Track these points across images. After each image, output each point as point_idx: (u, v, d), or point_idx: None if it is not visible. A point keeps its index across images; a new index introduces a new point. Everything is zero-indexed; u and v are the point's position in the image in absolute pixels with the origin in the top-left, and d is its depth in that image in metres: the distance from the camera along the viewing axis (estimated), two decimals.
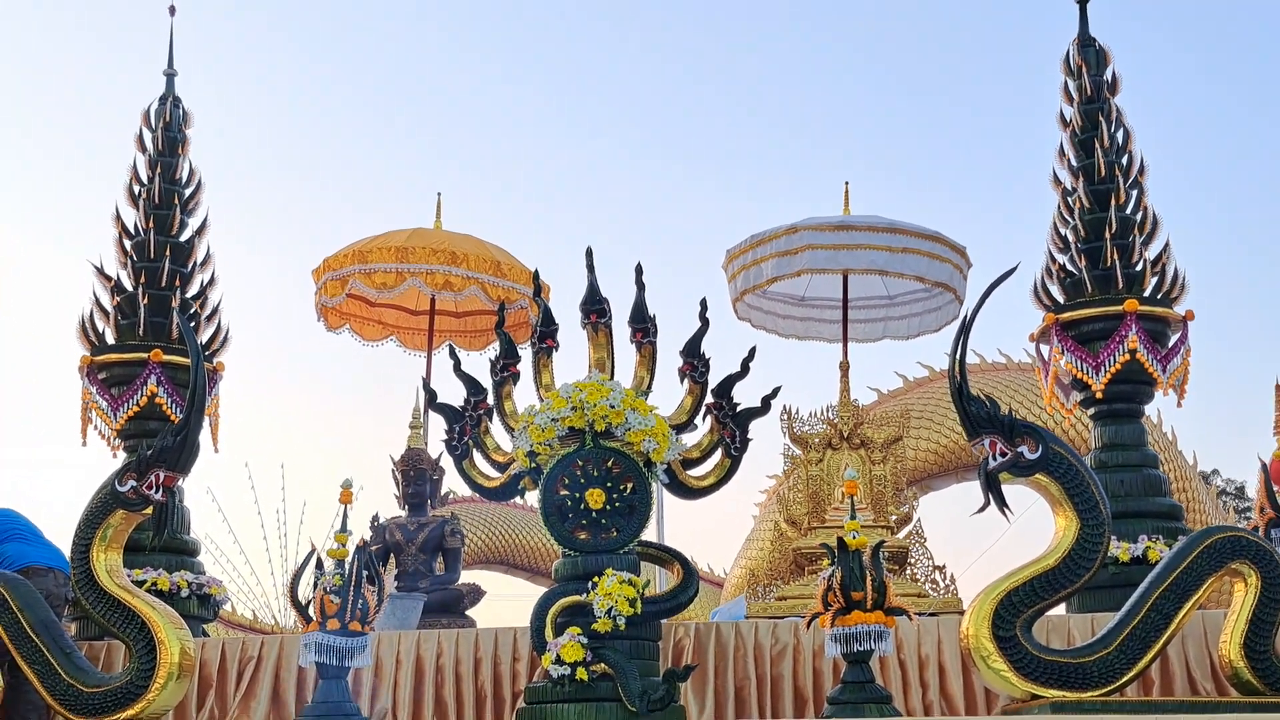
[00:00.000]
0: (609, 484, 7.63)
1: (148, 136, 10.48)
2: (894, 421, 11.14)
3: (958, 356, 7.27)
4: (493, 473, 8.13)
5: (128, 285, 10.09)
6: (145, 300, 9.91)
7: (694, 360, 8.01)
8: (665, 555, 8.07)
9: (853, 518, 7.50)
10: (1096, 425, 9.78)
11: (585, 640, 7.27)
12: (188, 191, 10.42)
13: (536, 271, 8.89)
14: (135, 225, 10.26)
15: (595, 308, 8.13)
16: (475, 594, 10.98)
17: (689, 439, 7.98)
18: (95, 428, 9.94)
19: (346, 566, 7.46)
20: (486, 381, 8.22)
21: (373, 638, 7.57)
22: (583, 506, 7.62)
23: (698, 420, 8.02)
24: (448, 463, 9.46)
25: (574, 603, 7.42)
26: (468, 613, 10.81)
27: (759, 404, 8.03)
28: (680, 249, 36.79)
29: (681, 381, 8.04)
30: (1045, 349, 9.85)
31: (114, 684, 7.50)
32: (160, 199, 10.27)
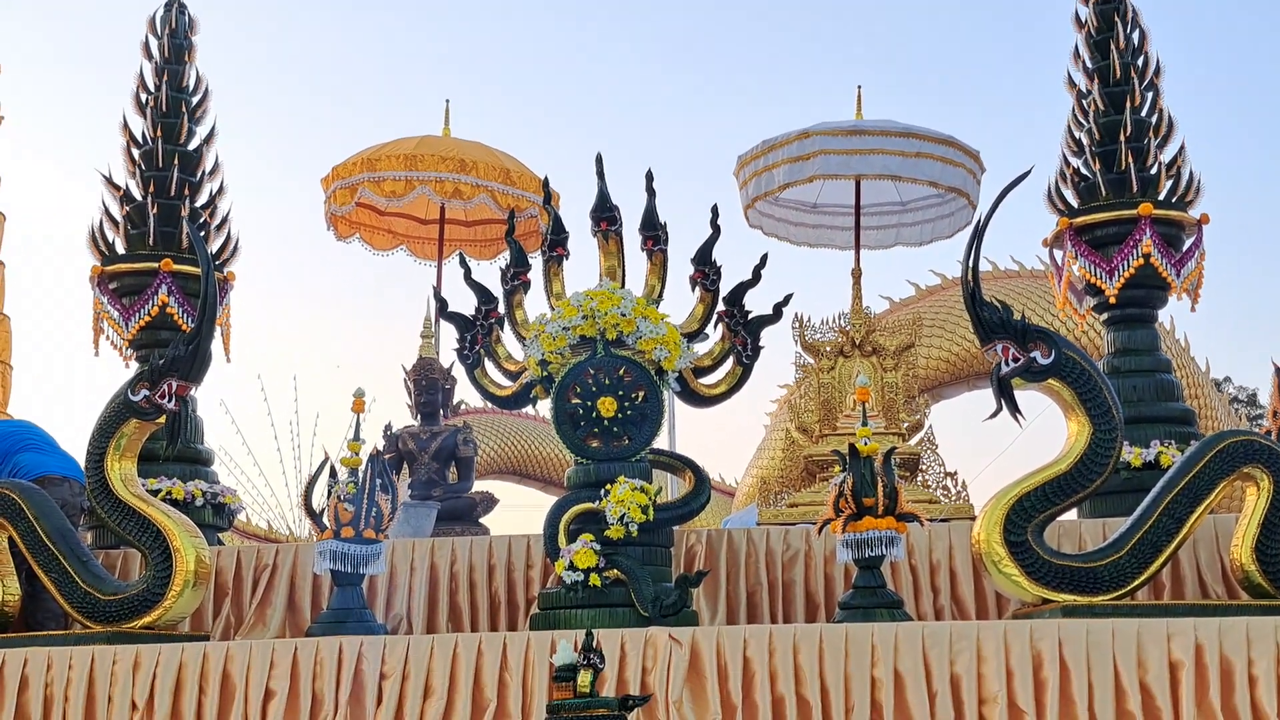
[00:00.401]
0: (620, 392, 7.64)
1: (154, 43, 10.38)
2: (906, 329, 11.11)
3: (971, 262, 7.24)
4: (504, 381, 8.14)
5: (136, 194, 10.05)
6: (154, 210, 9.87)
7: (705, 268, 7.98)
8: (677, 463, 8.09)
9: (864, 424, 7.51)
10: (1109, 330, 9.75)
11: (598, 547, 7.32)
12: (195, 99, 10.34)
13: (546, 179, 8.83)
14: (143, 134, 10.20)
15: (605, 215, 8.10)
16: (488, 502, 11.03)
17: (700, 347, 7.97)
18: (107, 337, 9.94)
19: (360, 475, 7.50)
20: (497, 290, 8.21)
21: (387, 545, 7.63)
22: (595, 415, 7.64)
23: (709, 328, 8.01)
24: (459, 372, 9.49)
25: (587, 510, 7.46)
26: (480, 521, 10.86)
27: (770, 311, 8.01)
28: (691, 156, 36.63)
29: (693, 289, 8.02)
30: (1059, 254, 9.79)
31: (130, 591, 7.56)
32: (168, 107, 10.19)
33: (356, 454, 7.60)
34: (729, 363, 8.00)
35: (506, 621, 8.29)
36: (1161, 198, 9.54)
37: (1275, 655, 6.27)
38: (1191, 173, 9.68)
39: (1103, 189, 9.58)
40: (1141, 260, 9.35)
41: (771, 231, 12.17)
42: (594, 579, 7.27)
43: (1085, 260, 9.53)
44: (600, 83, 40.55)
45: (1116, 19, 9.91)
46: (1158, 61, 9.93)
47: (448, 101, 12.61)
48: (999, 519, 6.96)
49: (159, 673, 6.93)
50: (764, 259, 8.04)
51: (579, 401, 7.66)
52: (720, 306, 7.98)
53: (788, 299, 8.05)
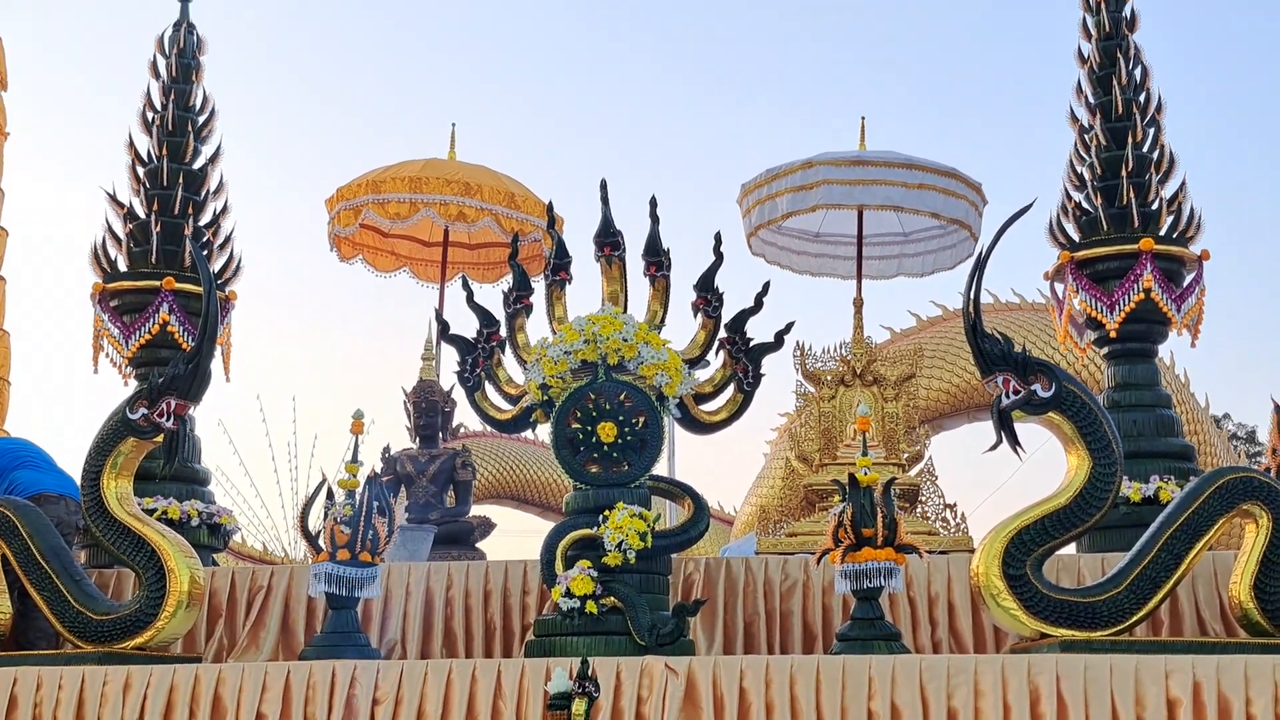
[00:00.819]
0: (621, 418, 7.63)
1: (161, 63, 10.40)
2: (907, 359, 11.11)
3: (972, 294, 7.23)
4: (505, 405, 8.12)
5: (140, 212, 10.06)
6: (158, 228, 9.88)
7: (708, 295, 7.99)
8: (676, 490, 8.07)
9: (864, 454, 7.49)
10: (1110, 365, 9.75)
11: (595, 573, 7.29)
12: (201, 118, 10.36)
13: (550, 203, 8.83)
14: (148, 152, 10.21)
15: (609, 240, 8.10)
16: (485, 527, 11.00)
17: (701, 374, 7.97)
18: (107, 355, 9.93)
19: (357, 497, 7.47)
20: (499, 313, 8.20)
21: (383, 569, 7.59)
22: (594, 440, 7.62)
23: (710, 355, 8.01)
24: (460, 395, 9.46)
25: (584, 536, 7.43)
26: (478, 545, 10.83)
27: (772, 339, 8.02)
28: (695, 183, 36.67)
29: (695, 316, 8.03)
30: (1060, 287, 9.80)
31: (123, 611, 7.53)
32: (174, 126, 10.21)
33: (354, 476, 7.57)
34: (730, 390, 8.00)
35: (502, 648, 8.25)
36: (1163, 233, 9.55)
37: (1273, 694, 6.23)
38: (1193, 209, 9.70)
39: (1104, 223, 9.59)
40: (1142, 295, 9.36)
41: (774, 260, 12.17)
42: (591, 606, 7.24)
43: (1086, 294, 9.53)
44: (605, 109, 40.66)
45: (1119, 55, 9.94)
46: (1160, 98, 9.96)
47: (454, 125, 12.64)
48: (998, 552, 6.93)
49: (150, 694, 6.88)
50: (766, 287, 8.05)
51: (579, 426, 7.65)
52: (722, 333, 7.98)
53: (789, 327, 8.06)
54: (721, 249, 8.05)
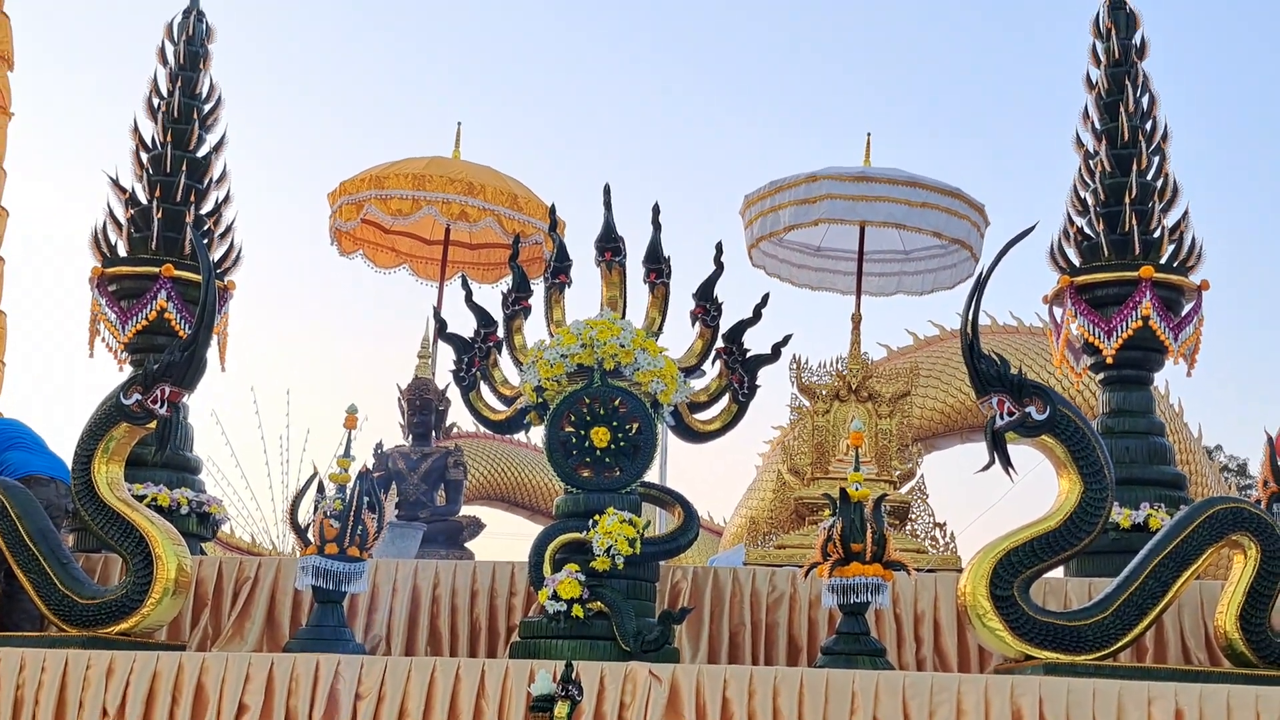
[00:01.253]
0: (615, 423, 7.63)
1: (169, 49, 10.39)
2: (902, 377, 11.13)
3: (971, 314, 7.24)
4: (499, 406, 8.12)
5: (142, 198, 10.05)
6: (159, 214, 9.87)
7: (706, 304, 7.99)
8: (667, 497, 8.07)
9: (856, 469, 7.49)
10: (1105, 390, 9.76)
11: (583, 577, 7.29)
12: (207, 107, 10.35)
13: (553, 206, 8.83)
14: (153, 138, 10.20)
15: (610, 245, 8.10)
16: (475, 526, 11.00)
17: (697, 382, 7.97)
18: (103, 339, 9.91)
19: (348, 492, 7.47)
20: (498, 314, 8.21)
21: (370, 564, 7.59)
22: (587, 444, 7.62)
23: (707, 364, 8.01)
24: (454, 394, 9.47)
25: (573, 539, 7.43)
26: (466, 545, 10.82)
27: (769, 351, 8.02)
28: (698, 192, 36.67)
29: (693, 324, 8.03)
30: (1058, 311, 9.81)
31: (109, 596, 7.52)
32: (179, 113, 10.20)
33: (345, 470, 7.57)
34: (725, 400, 8.00)
35: (486, 648, 8.24)
36: (1163, 261, 9.57)
37: None
38: (1194, 238, 9.72)
39: (1105, 249, 9.60)
40: (1140, 322, 9.37)
41: (774, 272, 12.20)
42: (577, 610, 7.23)
43: (1084, 319, 9.54)
44: (612, 115, 40.63)
45: (1127, 82, 9.96)
46: (1166, 126, 9.98)
47: (459, 124, 12.65)
48: (985, 572, 6.93)
49: (132, 680, 6.87)
50: (765, 298, 8.06)
51: (572, 430, 7.65)
52: (719, 343, 7.99)
53: (787, 340, 8.06)
54: (722, 259, 8.06)
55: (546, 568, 7.42)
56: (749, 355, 7.98)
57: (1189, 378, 9.77)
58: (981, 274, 7.32)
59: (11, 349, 11.33)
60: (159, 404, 7.59)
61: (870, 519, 7.20)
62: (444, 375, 10.60)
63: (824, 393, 10.70)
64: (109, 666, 6.93)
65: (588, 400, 7.66)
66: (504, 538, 18.02)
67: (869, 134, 11.73)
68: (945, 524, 10.13)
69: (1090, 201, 9.84)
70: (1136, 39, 10.13)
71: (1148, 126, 9.94)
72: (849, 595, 7.14)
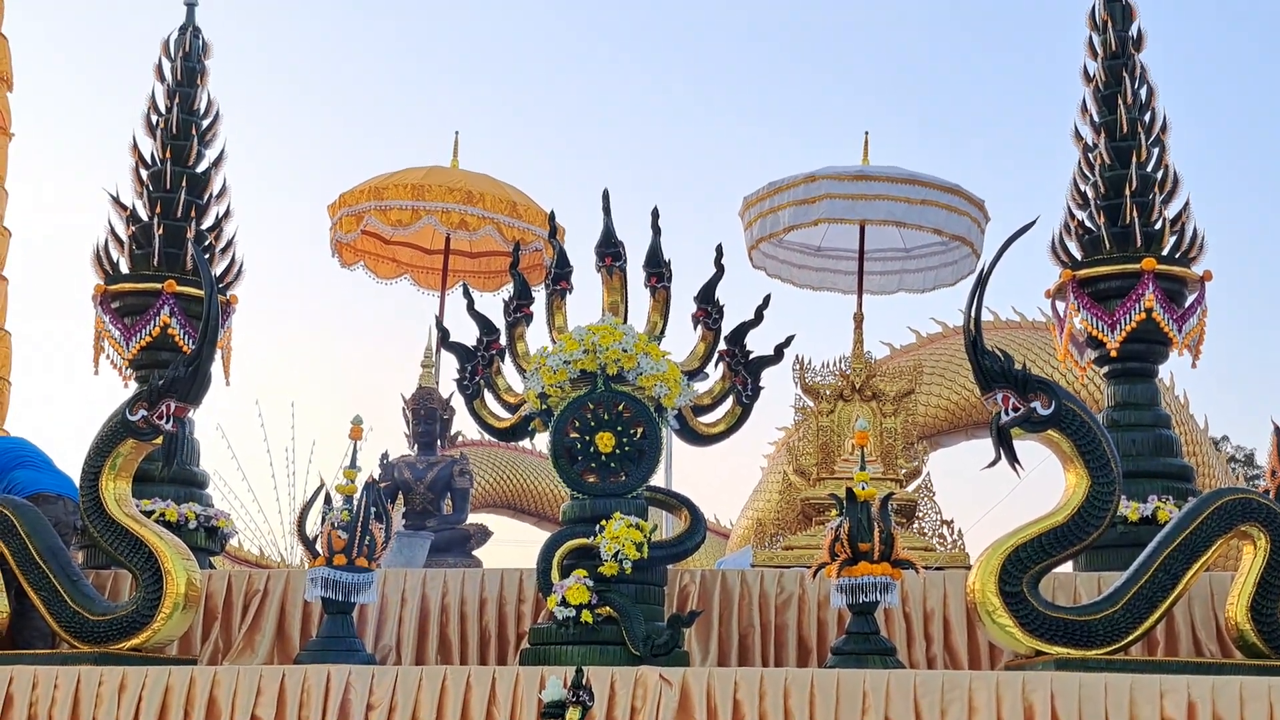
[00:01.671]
0: (619, 428, 7.63)
1: (167, 66, 10.42)
2: (906, 375, 11.13)
3: (973, 310, 7.24)
4: (503, 413, 8.13)
5: (143, 215, 10.07)
6: (160, 230, 9.89)
7: (708, 306, 7.99)
8: (673, 501, 8.07)
9: (862, 469, 7.49)
10: (1110, 384, 9.75)
11: (591, 583, 7.29)
12: (205, 123, 10.37)
13: (552, 213, 8.83)
14: (152, 155, 10.22)
15: (610, 251, 8.11)
16: (482, 534, 11.00)
17: (700, 386, 7.97)
18: (107, 357, 9.94)
19: (355, 503, 7.47)
20: (499, 322, 8.21)
21: (379, 574, 7.59)
22: (592, 450, 7.62)
23: (710, 367, 8.01)
24: (458, 402, 9.47)
25: (581, 545, 7.43)
26: (474, 553, 10.82)
27: (772, 352, 8.02)
28: (697, 195, 36.71)
29: (695, 328, 8.03)
30: (1061, 305, 9.80)
31: (120, 612, 7.52)
32: (178, 129, 10.22)
33: (352, 481, 7.57)
34: (728, 402, 8.00)
35: (496, 655, 8.24)
36: (1165, 253, 9.55)
37: (1269, 715, 6.22)
38: (1195, 229, 9.69)
39: (1107, 242, 9.59)
40: (1143, 315, 9.35)
41: (775, 273, 12.19)
42: (586, 615, 7.23)
43: (1087, 313, 9.53)
44: (609, 120, 40.68)
45: (1125, 74, 9.94)
46: (1165, 118, 9.96)
47: (457, 133, 12.65)
48: (994, 569, 6.93)
49: (145, 695, 6.88)
50: (767, 300, 8.06)
51: (577, 436, 7.65)
52: (721, 346, 7.99)
53: (789, 340, 8.06)
54: (723, 261, 8.06)
55: (555, 574, 7.42)
56: (752, 357, 7.98)
57: (1194, 369, 9.75)
58: (983, 270, 7.33)
59: (17, 368, 11.36)
60: (165, 420, 7.60)
61: (877, 518, 7.19)
62: (448, 384, 10.59)
63: (828, 393, 10.69)
64: (121, 682, 6.94)
65: (592, 406, 7.66)
66: (511, 545, 18.03)
67: (866, 133, 11.73)
68: (952, 521, 10.12)
69: (1090, 195, 9.83)
70: (1133, 31, 10.12)
71: (1146, 118, 9.93)
72: (858, 595, 7.14)
